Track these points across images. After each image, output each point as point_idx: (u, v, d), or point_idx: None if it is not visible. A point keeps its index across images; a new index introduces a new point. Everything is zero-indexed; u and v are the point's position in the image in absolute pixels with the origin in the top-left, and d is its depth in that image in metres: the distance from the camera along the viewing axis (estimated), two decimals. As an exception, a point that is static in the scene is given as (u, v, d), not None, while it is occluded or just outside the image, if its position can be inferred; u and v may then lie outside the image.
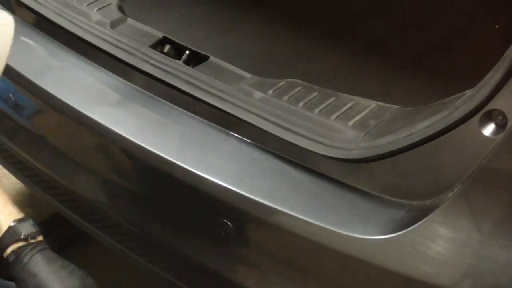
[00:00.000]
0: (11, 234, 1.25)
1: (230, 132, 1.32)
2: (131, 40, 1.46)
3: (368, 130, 1.22)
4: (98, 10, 1.56)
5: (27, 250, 1.24)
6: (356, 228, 1.13)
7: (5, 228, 1.25)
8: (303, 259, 1.22)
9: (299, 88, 1.34)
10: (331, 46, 1.78)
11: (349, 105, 1.29)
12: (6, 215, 1.28)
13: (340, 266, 1.17)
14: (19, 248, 1.24)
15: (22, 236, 1.25)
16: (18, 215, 1.28)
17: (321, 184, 1.21)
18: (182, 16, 1.86)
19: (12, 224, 1.26)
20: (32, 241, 1.26)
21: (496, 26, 1.84)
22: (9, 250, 1.25)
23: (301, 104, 1.29)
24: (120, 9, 1.60)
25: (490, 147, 1.00)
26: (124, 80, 1.46)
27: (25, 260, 1.22)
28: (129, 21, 1.56)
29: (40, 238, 1.27)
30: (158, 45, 1.48)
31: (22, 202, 2.27)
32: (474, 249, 1.06)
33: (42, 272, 1.22)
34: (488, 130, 1.00)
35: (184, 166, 1.29)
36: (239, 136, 1.31)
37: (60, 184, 1.63)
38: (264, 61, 1.69)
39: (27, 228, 1.27)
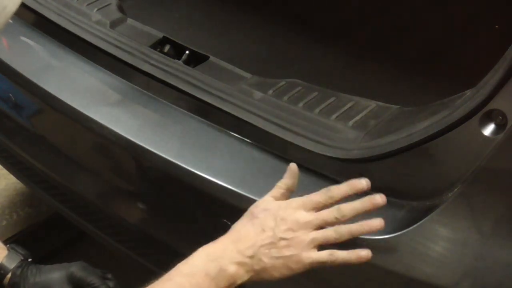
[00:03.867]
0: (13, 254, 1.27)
1: (230, 132, 1.32)
2: (131, 40, 1.46)
3: (368, 130, 1.22)
4: (98, 10, 1.56)
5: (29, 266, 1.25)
6: (356, 228, 1.13)
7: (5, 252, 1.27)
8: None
9: (299, 88, 1.34)
10: (331, 46, 1.78)
11: (349, 105, 1.29)
12: None
13: (340, 266, 1.17)
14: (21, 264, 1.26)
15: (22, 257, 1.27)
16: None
17: (321, 184, 1.20)
18: (182, 16, 1.86)
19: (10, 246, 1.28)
20: (29, 259, 1.28)
21: (496, 26, 1.84)
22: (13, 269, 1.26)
23: (301, 104, 1.29)
24: (120, 9, 1.60)
25: (490, 147, 1.00)
26: (124, 80, 1.46)
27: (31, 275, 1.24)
28: (129, 21, 1.56)
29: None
30: (158, 45, 1.48)
31: (22, 202, 2.26)
32: (474, 249, 1.06)
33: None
34: (488, 130, 1.00)
35: (184, 166, 1.29)
36: (239, 136, 1.31)
37: (60, 184, 1.63)
38: (264, 61, 1.69)
39: (22, 249, 1.29)
